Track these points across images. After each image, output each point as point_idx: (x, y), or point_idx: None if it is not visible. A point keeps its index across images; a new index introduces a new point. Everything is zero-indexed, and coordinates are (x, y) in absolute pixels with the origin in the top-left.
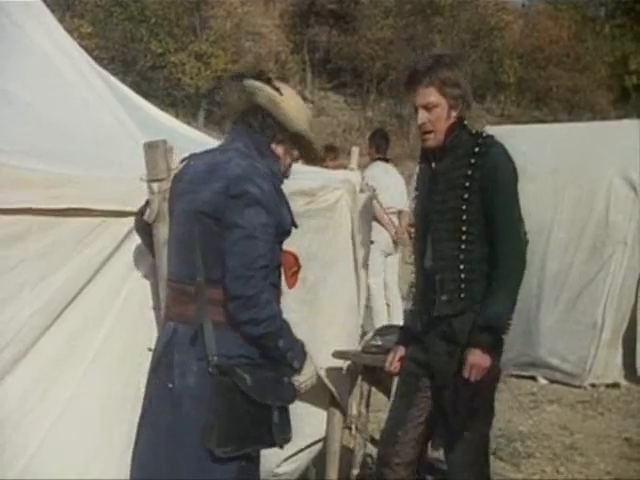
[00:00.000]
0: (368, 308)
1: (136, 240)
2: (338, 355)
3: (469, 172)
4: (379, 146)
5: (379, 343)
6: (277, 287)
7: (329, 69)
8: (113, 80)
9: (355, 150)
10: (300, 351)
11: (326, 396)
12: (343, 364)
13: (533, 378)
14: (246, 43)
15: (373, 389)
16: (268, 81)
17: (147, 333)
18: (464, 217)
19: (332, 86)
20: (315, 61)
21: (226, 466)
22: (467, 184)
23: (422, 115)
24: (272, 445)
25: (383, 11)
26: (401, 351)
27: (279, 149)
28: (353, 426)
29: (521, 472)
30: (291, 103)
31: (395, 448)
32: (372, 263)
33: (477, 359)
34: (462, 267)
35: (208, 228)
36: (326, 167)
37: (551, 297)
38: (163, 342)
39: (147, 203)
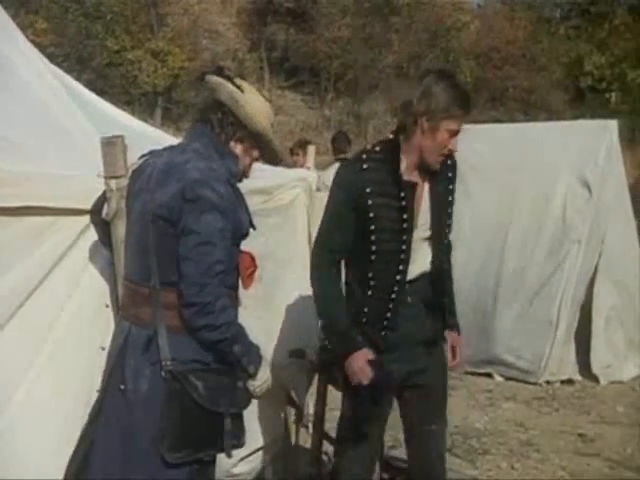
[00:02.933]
0: None
1: (92, 238)
2: (294, 354)
3: (450, 186)
4: (339, 148)
5: None
6: (235, 289)
7: (286, 68)
8: (68, 79)
9: (311, 149)
10: (255, 355)
11: (282, 395)
12: (299, 363)
13: (489, 375)
14: (203, 41)
15: (330, 387)
16: (229, 78)
17: (103, 331)
18: (447, 231)
19: (290, 85)
20: (272, 59)
21: (178, 470)
22: (450, 198)
23: (456, 140)
24: (223, 451)
25: (341, 10)
26: (370, 354)
27: (238, 147)
28: (310, 425)
29: (477, 468)
30: (252, 102)
31: (362, 467)
32: None
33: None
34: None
35: (163, 231)
36: (295, 162)
37: (508, 296)
38: (117, 342)
39: (101, 198)
